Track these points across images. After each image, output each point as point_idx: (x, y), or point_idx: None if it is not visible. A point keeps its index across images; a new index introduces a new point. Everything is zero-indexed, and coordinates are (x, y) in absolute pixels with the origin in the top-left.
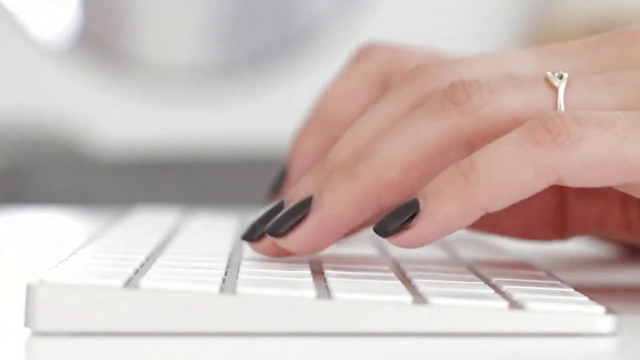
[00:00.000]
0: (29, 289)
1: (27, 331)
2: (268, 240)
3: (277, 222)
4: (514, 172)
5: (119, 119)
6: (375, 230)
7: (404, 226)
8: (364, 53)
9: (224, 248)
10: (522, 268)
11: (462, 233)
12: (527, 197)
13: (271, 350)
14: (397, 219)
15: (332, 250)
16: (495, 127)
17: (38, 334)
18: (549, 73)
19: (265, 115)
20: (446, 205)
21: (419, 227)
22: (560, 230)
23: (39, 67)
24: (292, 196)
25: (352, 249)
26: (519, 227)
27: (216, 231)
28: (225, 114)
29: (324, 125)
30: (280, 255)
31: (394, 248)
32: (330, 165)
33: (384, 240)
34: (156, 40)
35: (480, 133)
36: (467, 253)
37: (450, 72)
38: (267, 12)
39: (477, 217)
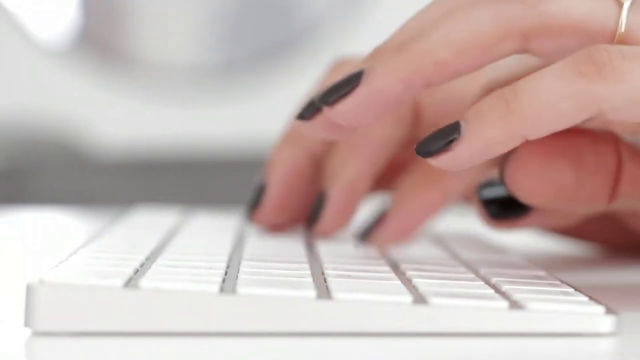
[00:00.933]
0: (29, 289)
1: (27, 331)
2: (319, 120)
3: (327, 91)
4: (555, 102)
5: (119, 119)
6: (417, 150)
7: (445, 147)
8: (336, 67)
9: (224, 248)
10: (522, 268)
11: (462, 233)
12: (567, 127)
13: (271, 350)
14: (438, 139)
15: (332, 250)
16: (553, 27)
17: (38, 334)
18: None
19: (265, 116)
20: (487, 130)
21: (459, 149)
22: (611, 195)
23: (39, 67)
24: (372, 72)
25: (352, 249)
26: (577, 184)
27: (216, 231)
28: (225, 114)
29: (298, 138)
30: (331, 134)
31: (393, 247)
32: (384, 47)
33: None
34: (156, 40)
35: (538, 29)
36: (467, 253)
37: (534, 5)
38: (267, 12)
39: (516, 143)
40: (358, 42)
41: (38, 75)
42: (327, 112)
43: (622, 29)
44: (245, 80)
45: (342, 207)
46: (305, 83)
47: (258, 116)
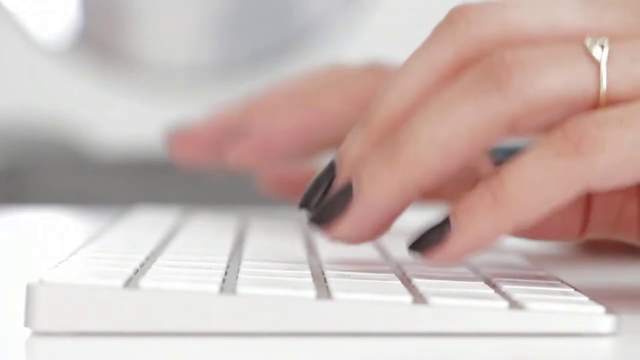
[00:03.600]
0: (29, 289)
1: (27, 331)
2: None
3: (319, 211)
4: (540, 186)
5: (119, 119)
6: (408, 247)
7: (435, 244)
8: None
9: (224, 248)
10: (522, 268)
11: None
12: (557, 209)
13: (271, 350)
14: (429, 237)
15: (332, 250)
16: (537, 109)
17: (38, 334)
18: (588, 42)
19: None
20: (476, 224)
21: (450, 245)
22: (581, 227)
23: (39, 67)
24: (344, 162)
25: (352, 249)
26: (543, 225)
27: (216, 231)
28: None
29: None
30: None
31: (394, 248)
32: (377, 125)
33: (384, 240)
34: (156, 40)
35: (522, 115)
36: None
37: (493, 15)
38: (267, 12)
39: (508, 232)
40: (358, 42)
41: (38, 75)
42: (325, 234)
43: (604, 87)
44: (245, 80)
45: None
46: None
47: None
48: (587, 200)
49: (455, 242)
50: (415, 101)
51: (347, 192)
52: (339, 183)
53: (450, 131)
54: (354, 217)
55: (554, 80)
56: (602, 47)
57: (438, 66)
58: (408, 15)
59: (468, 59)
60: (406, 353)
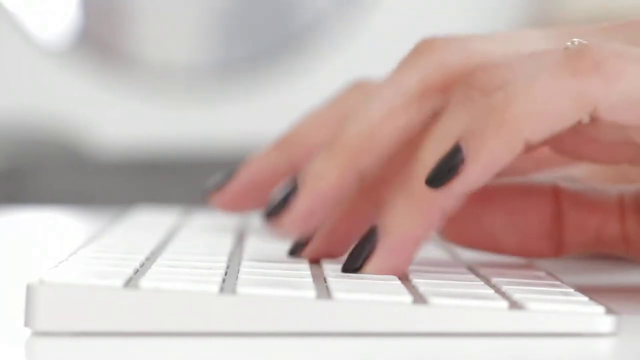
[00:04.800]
0: (29, 289)
1: (27, 331)
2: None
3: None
4: (552, 102)
5: (119, 119)
6: (427, 183)
7: (452, 175)
8: (354, 88)
9: (224, 248)
10: (522, 268)
11: None
12: (566, 128)
13: (271, 350)
14: (445, 168)
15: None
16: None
17: (38, 334)
18: (568, 43)
19: (265, 116)
20: (488, 144)
21: (466, 172)
22: (556, 244)
23: (39, 67)
24: (308, 179)
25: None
26: (516, 241)
27: (216, 231)
28: (225, 114)
29: (287, 146)
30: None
31: None
32: (345, 145)
33: None
34: (156, 40)
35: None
36: (467, 253)
37: (458, 45)
38: (267, 12)
39: (520, 150)
40: (358, 42)
41: (38, 75)
42: (274, 226)
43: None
44: (245, 80)
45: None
46: (305, 83)
47: (258, 116)
48: (560, 222)
49: (471, 169)
50: (379, 125)
51: (293, 185)
52: (302, 197)
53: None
54: (300, 206)
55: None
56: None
57: (404, 92)
58: (407, 16)
59: (433, 85)
60: (406, 353)
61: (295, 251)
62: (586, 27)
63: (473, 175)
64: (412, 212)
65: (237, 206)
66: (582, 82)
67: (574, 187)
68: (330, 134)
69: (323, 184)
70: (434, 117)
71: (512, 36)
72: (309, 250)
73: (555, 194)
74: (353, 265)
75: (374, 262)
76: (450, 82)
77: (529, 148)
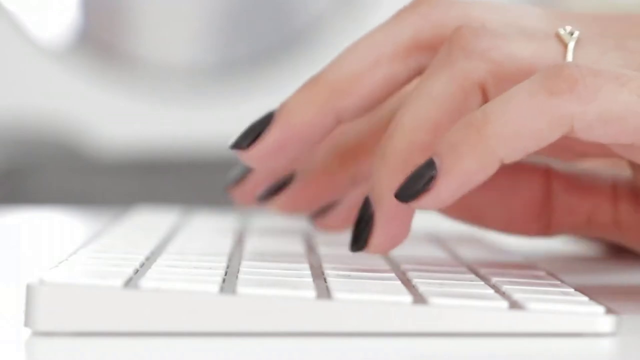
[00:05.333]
0: (29, 289)
1: (27, 331)
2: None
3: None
4: (529, 121)
5: (119, 119)
6: (396, 196)
7: (424, 189)
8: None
9: (224, 248)
10: (522, 268)
11: (462, 231)
12: (541, 147)
13: (271, 350)
14: (416, 182)
15: (332, 250)
16: (504, 72)
17: (38, 334)
18: (560, 29)
19: None
20: (462, 161)
21: (439, 187)
22: (545, 225)
23: (39, 67)
24: (283, 113)
25: (342, 233)
26: (503, 218)
27: (216, 231)
28: (225, 114)
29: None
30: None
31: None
32: (325, 84)
33: None
34: (156, 40)
35: (490, 76)
36: (467, 253)
37: (458, 7)
38: (267, 12)
39: (494, 169)
40: None
41: (38, 75)
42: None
43: None
44: (245, 80)
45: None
46: None
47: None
48: (550, 204)
49: (443, 184)
50: (365, 69)
51: (366, 206)
52: (276, 130)
53: (427, 106)
54: (383, 224)
55: (521, 48)
56: (572, 34)
57: (394, 42)
58: None
59: (424, 42)
60: (406, 353)
61: (265, 197)
62: (585, 14)
63: (444, 193)
64: (394, 177)
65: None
66: (558, 102)
67: (567, 169)
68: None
69: (297, 119)
70: (420, 73)
71: (512, 10)
72: (278, 201)
73: (547, 175)
74: (359, 246)
75: (376, 235)
76: (441, 42)
77: (503, 165)
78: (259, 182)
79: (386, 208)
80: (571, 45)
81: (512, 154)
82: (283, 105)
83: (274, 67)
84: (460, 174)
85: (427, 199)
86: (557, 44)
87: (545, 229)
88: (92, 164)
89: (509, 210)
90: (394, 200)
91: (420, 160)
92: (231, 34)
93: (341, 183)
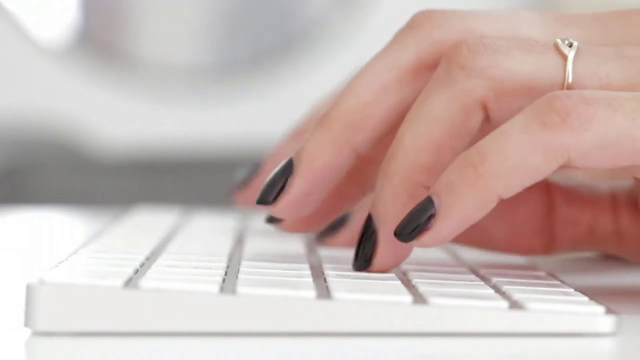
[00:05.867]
0: (29, 289)
1: (27, 331)
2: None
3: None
4: (524, 157)
5: (119, 119)
6: (396, 235)
7: (423, 228)
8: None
9: (224, 248)
10: (522, 268)
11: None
12: (539, 180)
13: (271, 350)
14: (414, 221)
15: (332, 250)
16: (505, 89)
17: (38, 334)
18: (558, 40)
19: (266, 116)
20: (461, 200)
21: (437, 226)
22: (548, 239)
23: (39, 67)
24: (303, 159)
25: (352, 248)
26: (506, 236)
27: (216, 231)
28: (225, 114)
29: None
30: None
31: None
32: (337, 120)
33: None
34: (156, 41)
35: (491, 94)
36: (467, 253)
37: (456, 22)
38: (267, 12)
39: (493, 205)
40: (358, 43)
41: (38, 75)
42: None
43: (570, 80)
44: (245, 80)
45: (393, 249)
46: (305, 83)
47: (258, 116)
48: (552, 217)
49: (442, 224)
50: (372, 99)
51: (368, 227)
52: (299, 178)
53: (429, 126)
54: (386, 242)
55: (520, 64)
56: (571, 45)
57: (398, 66)
58: (407, 16)
59: (428, 62)
60: (406, 353)
61: (272, 221)
62: (584, 16)
63: (444, 231)
64: (398, 195)
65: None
66: (552, 135)
67: (565, 182)
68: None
69: (319, 163)
70: None
71: (509, 18)
72: (287, 224)
73: (547, 188)
74: (363, 265)
75: (379, 254)
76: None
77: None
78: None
79: (390, 227)
80: (570, 57)
81: (510, 190)
82: (301, 152)
83: (273, 68)
84: (459, 213)
85: (427, 237)
86: (556, 56)
87: (548, 245)
88: (92, 164)
89: (512, 227)
90: (400, 218)
91: (422, 179)
92: (231, 34)
93: (350, 196)
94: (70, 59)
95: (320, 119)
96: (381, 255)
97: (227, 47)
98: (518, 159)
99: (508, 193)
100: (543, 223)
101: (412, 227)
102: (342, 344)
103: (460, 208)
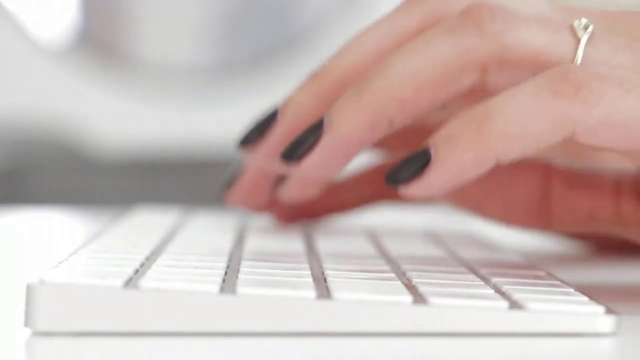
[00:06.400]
0: (29, 289)
1: (27, 331)
2: (292, 183)
3: (291, 148)
4: (531, 122)
5: (119, 119)
6: (386, 178)
7: (415, 175)
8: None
9: (224, 248)
10: (522, 268)
11: (462, 232)
12: (541, 149)
13: (271, 350)
14: (408, 167)
15: (332, 250)
16: (512, 59)
17: (38, 334)
18: (575, 21)
19: None
20: (459, 153)
21: (431, 176)
22: (545, 219)
23: (39, 67)
24: (288, 109)
25: (352, 248)
26: (502, 209)
27: (216, 231)
28: (225, 114)
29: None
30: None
31: (393, 247)
32: (328, 77)
33: (384, 239)
34: (156, 41)
35: (497, 60)
36: (467, 253)
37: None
38: (267, 12)
39: (489, 166)
40: None
41: (38, 75)
42: (294, 170)
43: (578, 63)
44: (245, 80)
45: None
46: None
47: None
48: (548, 200)
49: (435, 173)
50: (367, 60)
51: (317, 127)
52: (281, 126)
53: (423, 63)
54: (324, 150)
55: (534, 36)
56: (586, 30)
57: (398, 33)
58: None
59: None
60: (406, 353)
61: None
62: (593, 10)
63: (434, 182)
64: (360, 113)
65: (250, 200)
66: (562, 104)
67: (567, 167)
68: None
69: (303, 112)
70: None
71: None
72: (288, 191)
73: (546, 171)
74: (290, 155)
75: (312, 158)
76: None
77: (499, 164)
78: (250, 184)
79: (335, 136)
80: (584, 40)
81: (510, 154)
82: (331, 113)
83: (273, 68)
84: (454, 166)
85: (416, 185)
86: (570, 37)
87: (546, 224)
88: (92, 164)
89: (507, 203)
90: (350, 133)
91: (389, 112)
92: (231, 34)
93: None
94: (70, 59)
95: (312, 73)
96: (313, 158)
97: (227, 47)
98: (524, 123)
99: (507, 156)
100: (539, 205)
101: (404, 172)
102: (342, 344)
103: (456, 161)
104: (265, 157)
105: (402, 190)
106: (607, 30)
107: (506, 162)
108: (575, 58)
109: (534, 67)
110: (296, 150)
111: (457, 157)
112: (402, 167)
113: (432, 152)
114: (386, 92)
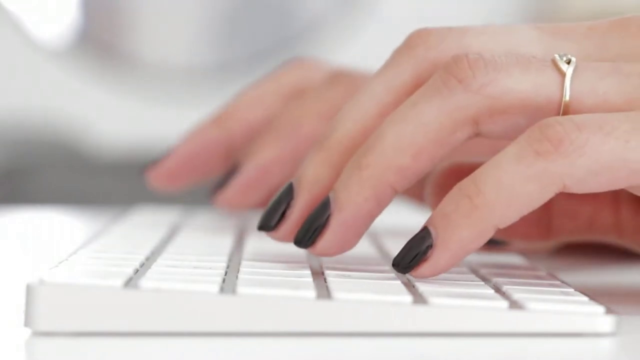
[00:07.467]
0: (29, 289)
1: (27, 331)
2: (286, 227)
3: (302, 232)
4: (519, 188)
5: (118, 119)
6: (394, 266)
7: (421, 259)
8: (293, 66)
9: (224, 248)
10: (522, 268)
11: None
12: (536, 207)
13: (271, 350)
14: (412, 252)
15: None
16: (500, 108)
17: (38, 334)
18: (556, 56)
19: None
20: (458, 231)
21: (435, 257)
22: (545, 230)
23: (39, 67)
24: (303, 185)
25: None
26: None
27: (216, 231)
28: None
29: (225, 121)
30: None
31: (393, 247)
32: (336, 146)
33: (383, 239)
34: (156, 41)
35: (486, 112)
36: None
37: (453, 41)
38: (267, 12)
39: (490, 235)
40: (357, 42)
41: (38, 75)
42: (310, 251)
43: (567, 98)
44: (245, 80)
45: (252, 184)
46: None
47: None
48: (550, 209)
49: (439, 255)
50: (371, 123)
51: (324, 207)
52: (300, 203)
53: (415, 130)
54: (335, 229)
55: (518, 82)
56: (569, 62)
57: (396, 88)
58: (407, 16)
59: (425, 80)
60: (406, 353)
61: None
62: (580, 27)
63: (442, 262)
64: (363, 187)
65: (173, 182)
66: (546, 164)
67: None
68: (267, 109)
69: (319, 188)
70: None
71: (507, 34)
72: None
73: None
74: (305, 244)
75: (327, 239)
76: None
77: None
78: (176, 165)
79: (345, 216)
80: (569, 74)
81: (507, 220)
82: (301, 177)
83: (273, 67)
84: (457, 244)
85: (425, 268)
86: (554, 73)
87: (546, 234)
88: (92, 164)
89: None
90: (357, 210)
91: (392, 180)
92: (230, 35)
93: None
94: (70, 59)
95: (319, 144)
96: (327, 240)
97: (226, 47)
98: (513, 189)
99: (504, 223)
100: (540, 214)
101: (410, 258)
102: (342, 344)
103: (458, 239)
104: (286, 237)
105: (413, 274)
106: (595, 48)
107: (505, 227)
108: (563, 94)
109: (523, 111)
110: (308, 235)
111: (457, 236)
112: (408, 253)
113: (433, 234)
114: (385, 163)
